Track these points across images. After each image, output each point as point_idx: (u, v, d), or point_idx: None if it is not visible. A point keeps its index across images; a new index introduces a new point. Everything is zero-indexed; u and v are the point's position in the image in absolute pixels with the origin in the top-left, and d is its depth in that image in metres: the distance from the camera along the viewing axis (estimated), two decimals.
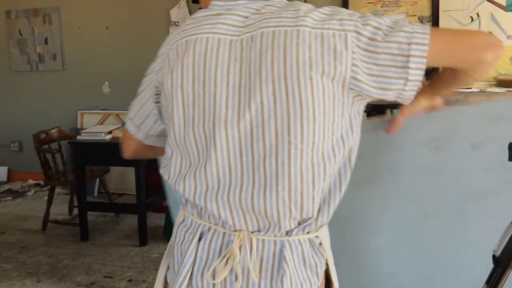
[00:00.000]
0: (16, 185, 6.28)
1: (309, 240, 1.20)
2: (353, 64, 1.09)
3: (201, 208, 1.20)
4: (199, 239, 1.21)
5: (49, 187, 4.72)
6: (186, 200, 1.23)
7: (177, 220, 1.29)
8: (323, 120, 1.10)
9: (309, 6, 1.16)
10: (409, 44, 1.08)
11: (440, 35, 1.11)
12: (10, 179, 6.52)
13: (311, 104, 1.09)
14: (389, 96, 1.13)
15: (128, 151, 1.42)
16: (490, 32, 1.13)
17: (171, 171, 1.23)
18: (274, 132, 1.10)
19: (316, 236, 1.22)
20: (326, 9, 1.14)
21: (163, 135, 1.33)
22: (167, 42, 1.24)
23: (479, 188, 1.49)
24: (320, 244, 1.23)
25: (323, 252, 1.23)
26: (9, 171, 6.48)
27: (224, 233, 1.19)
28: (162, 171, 1.28)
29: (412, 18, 4.82)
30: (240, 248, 1.17)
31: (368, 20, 1.11)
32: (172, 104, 1.18)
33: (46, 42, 6.08)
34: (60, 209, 5.17)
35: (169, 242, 1.33)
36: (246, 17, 1.16)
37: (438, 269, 1.55)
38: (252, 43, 1.12)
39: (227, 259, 1.17)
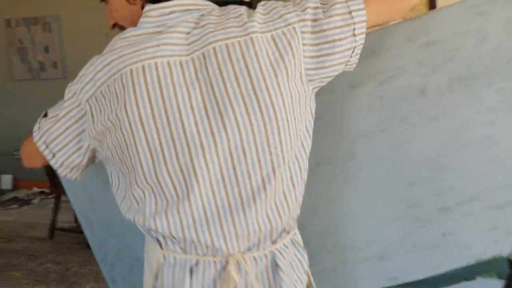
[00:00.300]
0: (22, 193, 6.46)
1: (291, 240, 1.24)
2: (305, 56, 1.13)
3: (185, 241, 1.16)
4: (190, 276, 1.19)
5: (54, 194, 4.87)
6: (164, 238, 1.18)
7: (154, 261, 1.23)
8: (294, 121, 1.13)
9: (245, 8, 1.17)
10: (349, 13, 1.14)
11: None
12: (15, 187, 6.70)
13: (283, 110, 1.11)
14: (340, 70, 1.18)
15: (33, 165, 1.35)
16: None
17: (146, 212, 1.16)
18: (254, 148, 1.10)
19: (295, 233, 1.26)
20: (261, 9, 1.15)
21: (79, 168, 1.28)
22: (98, 68, 1.14)
23: (365, 128, 1.50)
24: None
25: (303, 247, 1.28)
26: (14, 179, 6.68)
27: (214, 262, 1.17)
28: (129, 215, 1.21)
29: None
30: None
31: (304, 4, 1.14)
32: (134, 142, 1.11)
33: (46, 50, 6.30)
34: (66, 217, 5.30)
35: (151, 286, 1.26)
36: (188, 33, 1.12)
37: (340, 217, 1.58)
38: (206, 61, 1.10)
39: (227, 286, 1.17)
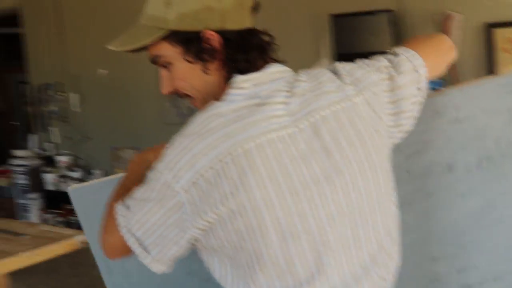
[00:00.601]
0: None
1: None
2: (387, 114, 1.19)
3: None
4: None
5: None
6: None
7: None
8: (391, 178, 1.21)
9: (328, 70, 1.20)
10: (415, 69, 1.21)
11: (426, 53, 1.25)
12: None
13: (387, 170, 1.18)
14: (411, 126, 1.25)
15: (119, 258, 1.24)
16: (442, 34, 1.31)
17: None
18: (372, 210, 1.14)
19: None
20: (343, 71, 1.19)
21: (174, 260, 1.17)
22: (197, 151, 1.06)
23: None
24: None
25: None
26: None
27: None
28: None
29: None
30: None
31: (377, 64, 1.21)
32: (259, 227, 1.06)
33: None
34: None
35: None
36: (285, 103, 1.11)
37: None
38: (317, 130, 1.10)
39: None
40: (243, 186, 1.04)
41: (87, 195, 1.53)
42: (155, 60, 1.21)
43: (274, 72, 1.16)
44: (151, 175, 1.14)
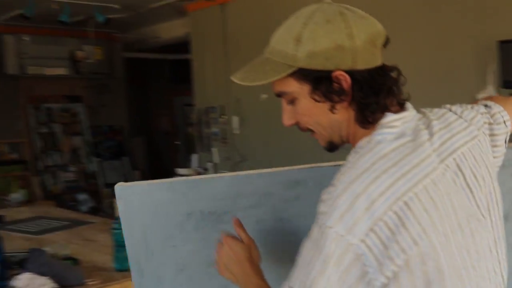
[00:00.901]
0: None
1: None
2: (492, 155, 1.29)
3: None
4: None
5: None
6: None
7: None
8: None
9: (447, 110, 1.27)
10: (504, 122, 1.33)
11: (509, 111, 1.36)
12: None
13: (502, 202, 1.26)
14: None
15: None
16: None
17: None
18: (495, 241, 1.19)
19: None
20: (458, 111, 1.27)
21: None
22: (375, 196, 1.02)
23: None
24: None
25: None
26: None
27: None
28: None
29: None
30: None
31: (478, 109, 1.31)
32: (447, 267, 1.04)
33: None
34: None
35: None
36: (430, 141, 1.14)
37: None
38: (459, 167, 1.15)
39: None
40: (432, 223, 1.03)
41: (132, 195, 1.52)
42: (280, 95, 1.21)
43: (411, 109, 1.19)
44: (312, 240, 1.07)
